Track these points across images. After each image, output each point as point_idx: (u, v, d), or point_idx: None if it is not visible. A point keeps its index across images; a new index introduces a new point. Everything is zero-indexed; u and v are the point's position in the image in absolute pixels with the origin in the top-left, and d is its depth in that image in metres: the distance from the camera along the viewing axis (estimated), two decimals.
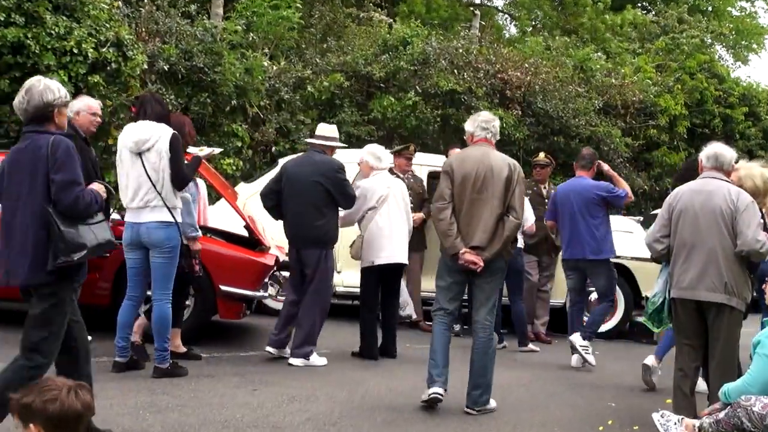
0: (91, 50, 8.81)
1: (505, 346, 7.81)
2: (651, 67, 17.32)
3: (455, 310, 5.44)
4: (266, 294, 7.04)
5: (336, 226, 6.57)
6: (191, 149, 5.88)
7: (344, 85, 12.50)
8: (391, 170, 7.79)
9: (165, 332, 5.56)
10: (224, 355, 6.44)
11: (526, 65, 14.20)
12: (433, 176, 9.26)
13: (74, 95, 8.90)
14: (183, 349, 6.22)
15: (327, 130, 6.75)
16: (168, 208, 5.48)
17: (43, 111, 3.93)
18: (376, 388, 5.81)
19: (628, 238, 8.96)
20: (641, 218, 12.61)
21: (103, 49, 8.98)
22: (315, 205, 6.39)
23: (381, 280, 6.90)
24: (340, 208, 6.61)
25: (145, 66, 9.79)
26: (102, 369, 5.68)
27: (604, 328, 8.85)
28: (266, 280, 6.91)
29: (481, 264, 5.19)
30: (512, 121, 13.13)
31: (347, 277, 8.39)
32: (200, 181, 7.49)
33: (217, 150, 6.58)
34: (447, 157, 8.65)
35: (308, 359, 6.35)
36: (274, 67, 12.33)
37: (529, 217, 7.71)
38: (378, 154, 7.04)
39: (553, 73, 14.52)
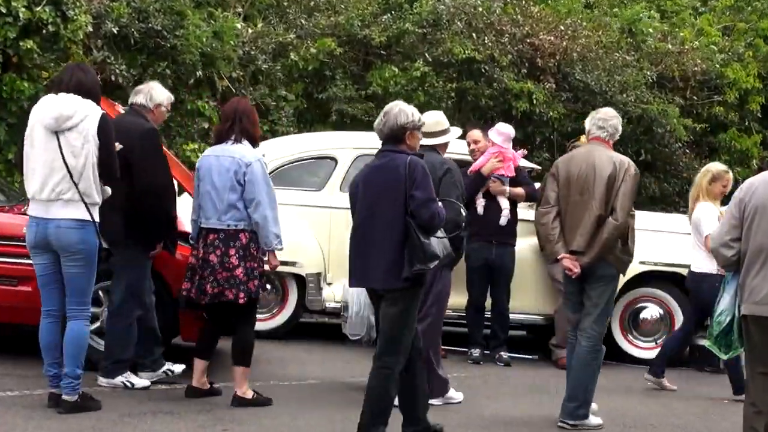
0: (23, 9, 8.81)
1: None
2: (716, 30, 17.28)
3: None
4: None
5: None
6: None
7: (336, 53, 12.48)
8: None
9: (80, 355, 5.55)
10: (187, 386, 6.44)
11: (562, 27, 14.16)
12: None
13: (4, 65, 8.92)
14: (207, 386, 6.28)
15: (431, 122, 6.52)
16: (86, 204, 5.46)
17: (397, 132, 5.22)
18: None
19: (689, 242, 8.94)
20: None
21: (38, 8, 8.98)
22: None
23: None
24: None
25: (90, 28, 9.78)
26: (37, 405, 5.68)
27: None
28: None
29: (577, 270, 5.97)
30: (544, 96, 13.12)
31: (339, 291, 8.39)
32: None
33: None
34: (466, 140, 8.71)
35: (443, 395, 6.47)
36: (249, 31, 12.31)
37: (704, 228, 7.50)
38: None
39: (594, 37, 14.48)
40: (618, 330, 8.91)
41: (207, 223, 6.01)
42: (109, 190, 5.74)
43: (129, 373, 6.34)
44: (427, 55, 12.77)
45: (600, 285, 6.04)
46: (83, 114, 5.46)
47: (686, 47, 15.66)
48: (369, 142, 8.65)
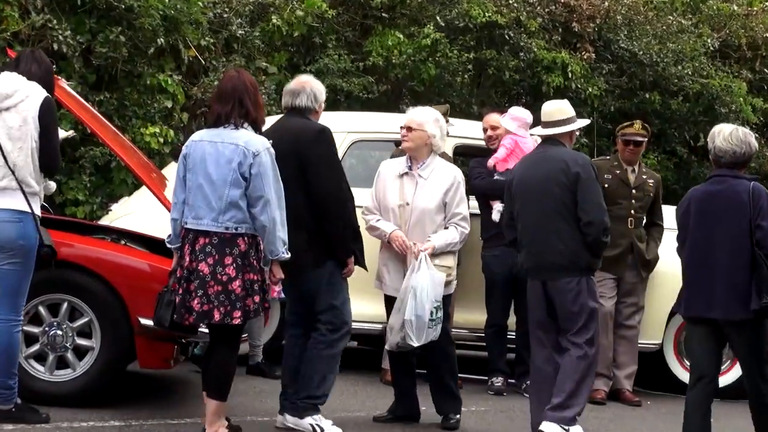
0: None
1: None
2: None
3: None
4: (208, 331, 7.03)
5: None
6: None
7: (328, 15, 12.50)
8: (397, 144, 7.74)
9: (12, 365, 5.79)
10: (146, 423, 6.44)
11: None
12: (462, 153, 9.22)
13: None
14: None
15: (552, 110, 6.74)
16: (24, 194, 5.69)
17: (749, 159, 5.94)
18: None
19: None
20: None
21: None
22: (563, 216, 6.52)
23: None
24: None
25: None
26: None
27: (721, 383, 8.81)
28: None
29: None
30: (582, 69, 13.12)
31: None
32: None
33: (65, 134, 6.66)
34: (482, 123, 8.69)
35: (567, 427, 6.50)
36: None
37: None
38: (445, 127, 7.04)
39: None
40: (672, 354, 8.90)
41: (197, 224, 5.79)
42: (53, 185, 5.90)
43: (320, 415, 6.39)
44: (438, 18, 12.77)
45: None
46: (24, 94, 5.73)
47: (755, 9, 15.65)
48: (367, 125, 8.69)
